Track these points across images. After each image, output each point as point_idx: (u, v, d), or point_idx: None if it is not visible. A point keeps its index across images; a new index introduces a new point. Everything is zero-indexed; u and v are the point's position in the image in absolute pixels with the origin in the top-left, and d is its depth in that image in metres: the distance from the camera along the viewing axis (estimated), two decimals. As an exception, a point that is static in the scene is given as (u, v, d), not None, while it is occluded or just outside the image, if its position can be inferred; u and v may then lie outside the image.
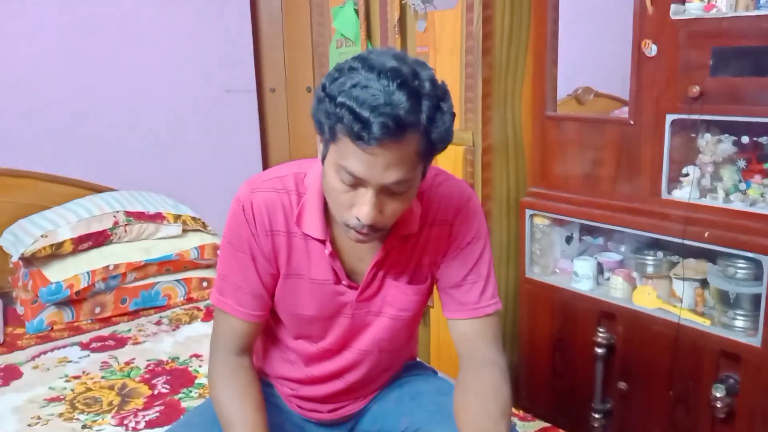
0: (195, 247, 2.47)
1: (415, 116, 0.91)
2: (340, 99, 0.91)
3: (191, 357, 1.95)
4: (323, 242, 1.12)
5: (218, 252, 2.39)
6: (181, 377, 1.82)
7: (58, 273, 2.22)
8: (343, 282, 1.16)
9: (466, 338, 1.19)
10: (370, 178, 0.95)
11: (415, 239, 1.16)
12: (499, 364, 1.15)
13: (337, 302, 1.18)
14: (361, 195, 0.97)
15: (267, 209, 1.12)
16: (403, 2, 2.35)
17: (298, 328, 1.22)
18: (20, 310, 2.30)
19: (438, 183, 1.18)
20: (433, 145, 0.96)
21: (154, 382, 1.80)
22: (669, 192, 1.82)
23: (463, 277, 1.18)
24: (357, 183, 0.96)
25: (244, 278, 1.15)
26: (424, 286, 1.21)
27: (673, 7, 1.71)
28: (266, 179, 1.15)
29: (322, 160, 1.02)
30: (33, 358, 1.97)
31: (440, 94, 0.95)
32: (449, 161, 2.28)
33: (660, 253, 1.92)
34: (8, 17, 2.67)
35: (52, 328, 2.20)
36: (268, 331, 1.29)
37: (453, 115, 0.97)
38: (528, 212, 2.17)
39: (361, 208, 0.97)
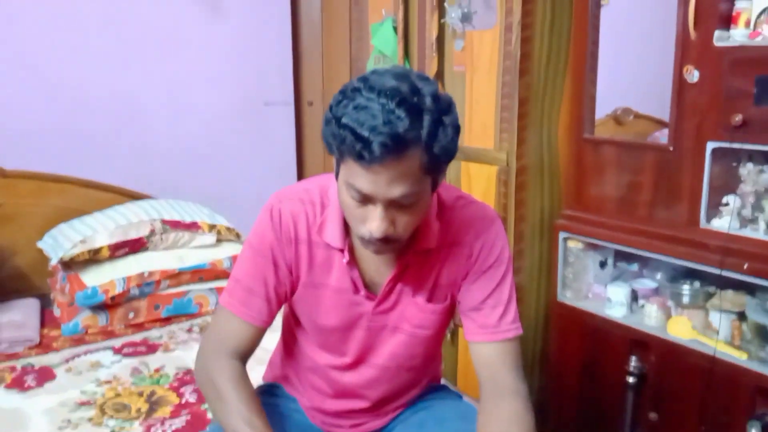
0: (228, 257, 2.50)
1: (415, 132, 0.93)
2: (343, 120, 0.94)
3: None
4: (342, 251, 1.15)
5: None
6: (208, 387, 1.84)
7: (94, 278, 2.27)
8: (361, 292, 1.17)
9: (487, 363, 1.18)
10: (376, 194, 0.98)
11: (434, 257, 1.17)
12: (522, 392, 1.14)
13: (355, 312, 1.19)
14: (371, 210, 1.01)
15: (293, 219, 1.16)
16: (441, 21, 2.35)
17: (318, 337, 1.24)
18: (57, 312, 2.35)
19: (460, 206, 1.20)
20: (437, 159, 0.98)
21: (182, 390, 1.82)
22: (708, 221, 1.78)
23: (483, 300, 1.18)
24: (365, 199, 1.00)
25: (261, 282, 1.17)
26: (442, 305, 1.20)
27: (717, 33, 1.68)
28: (294, 191, 1.19)
29: (336, 177, 1.06)
30: (67, 361, 2.01)
31: (443, 107, 0.97)
32: (482, 181, 2.27)
33: (697, 283, 1.87)
34: (55, 26, 2.74)
35: (87, 332, 2.25)
36: (291, 339, 1.31)
37: (457, 128, 0.99)
38: (561, 235, 2.14)
39: (372, 223, 1.01)
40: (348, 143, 0.93)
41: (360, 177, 0.97)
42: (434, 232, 1.15)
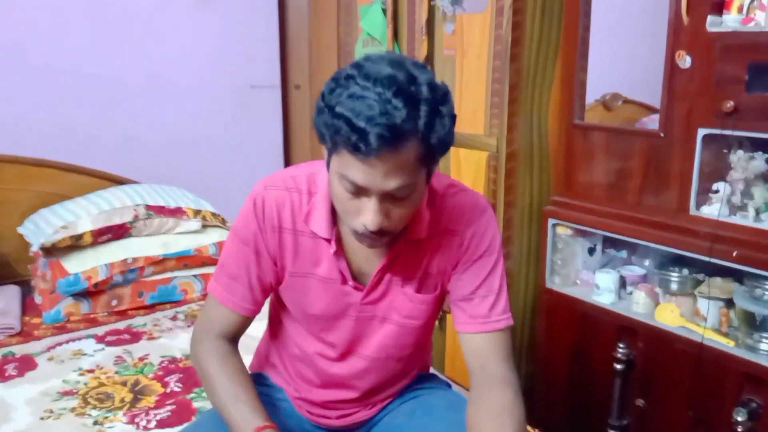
0: (213, 243, 2.46)
1: (412, 123, 0.90)
2: (337, 110, 0.90)
3: (205, 355, 1.94)
4: (329, 241, 1.13)
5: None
6: (193, 376, 1.81)
7: (76, 264, 2.23)
8: (349, 282, 1.15)
9: (477, 353, 1.16)
10: (371, 186, 0.95)
11: (424, 246, 1.15)
12: (512, 382, 1.13)
13: (342, 302, 1.17)
14: (365, 203, 0.98)
15: (277, 206, 1.13)
16: (431, 3, 2.32)
17: (306, 326, 1.22)
18: (38, 299, 2.31)
19: (452, 194, 1.17)
20: (433, 150, 0.96)
21: (166, 379, 1.80)
22: (697, 208, 1.77)
23: (474, 290, 1.17)
24: (359, 191, 0.97)
25: (243, 270, 1.16)
26: (432, 295, 1.19)
27: (709, 18, 1.66)
28: (280, 178, 1.16)
29: (327, 167, 1.03)
30: (48, 349, 1.98)
31: (439, 97, 0.94)
32: (472, 166, 2.26)
33: (685, 270, 1.87)
34: (41, 12, 2.69)
35: (69, 319, 2.21)
36: (279, 327, 1.29)
37: (453, 117, 0.96)
38: (550, 221, 2.13)
39: (366, 216, 0.98)
40: (343, 134, 0.90)
41: (354, 169, 0.93)
42: (425, 221, 1.13)
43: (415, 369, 1.34)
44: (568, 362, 2.12)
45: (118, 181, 2.73)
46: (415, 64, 0.95)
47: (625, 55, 2.26)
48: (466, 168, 2.28)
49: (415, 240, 1.14)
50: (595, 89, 2.13)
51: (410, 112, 0.89)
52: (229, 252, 1.18)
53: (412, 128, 0.90)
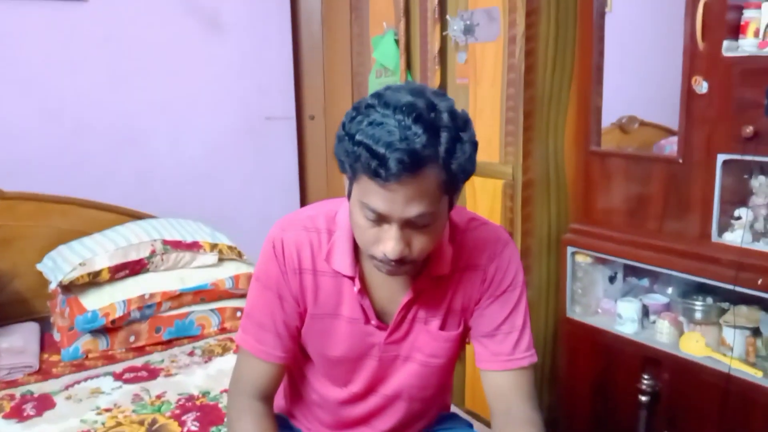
0: (230, 277, 2.46)
1: (432, 149, 0.90)
2: (357, 137, 0.90)
3: (222, 392, 1.92)
4: (352, 279, 1.11)
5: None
6: (210, 414, 1.79)
7: (94, 301, 2.23)
8: (372, 322, 1.13)
9: (500, 392, 1.14)
10: (392, 213, 0.94)
11: (446, 283, 1.13)
12: (536, 422, 1.10)
13: (365, 343, 1.15)
14: (385, 231, 0.97)
15: (296, 248, 1.11)
16: (444, 34, 2.33)
17: (325, 368, 1.20)
18: (57, 336, 2.31)
19: (473, 227, 1.16)
20: (455, 177, 0.94)
21: (183, 418, 1.78)
22: (719, 235, 1.74)
23: (497, 326, 1.14)
24: (380, 219, 0.96)
25: (269, 317, 1.14)
26: (455, 333, 1.16)
27: (725, 43, 1.64)
28: (297, 218, 1.15)
29: (348, 197, 1.02)
30: (67, 388, 1.97)
31: (460, 124, 0.93)
32: (488, 195, 2.24)
33: (709, 299, 1.83)
34: (54, 46, 2.72)
35: (87, 356, 2.20)
36: (297, 371, 1.26)
37: (474, 144, 0.95)
38: (569, 249, 2.11)
39: (386, 244, 0.97)
40: (363, 160, 0.90)
41: (375, 195, 0.93)
42: (447, 257, 1.11)
43: (435, 409, 1.31)
44: (591, 394, 2.08)
45: (135, 216, 2.73)
46: (435, 93, 0.95)
47: (641, 78, 2.24)
48: (481, 197, 2.26)
49: (438, 276, 1.12)
50: (611, 112, 2.11)
51: (430, 138, 0.89)
52: (253, 300, 1.16)
53: (432, 154, 0.90)
